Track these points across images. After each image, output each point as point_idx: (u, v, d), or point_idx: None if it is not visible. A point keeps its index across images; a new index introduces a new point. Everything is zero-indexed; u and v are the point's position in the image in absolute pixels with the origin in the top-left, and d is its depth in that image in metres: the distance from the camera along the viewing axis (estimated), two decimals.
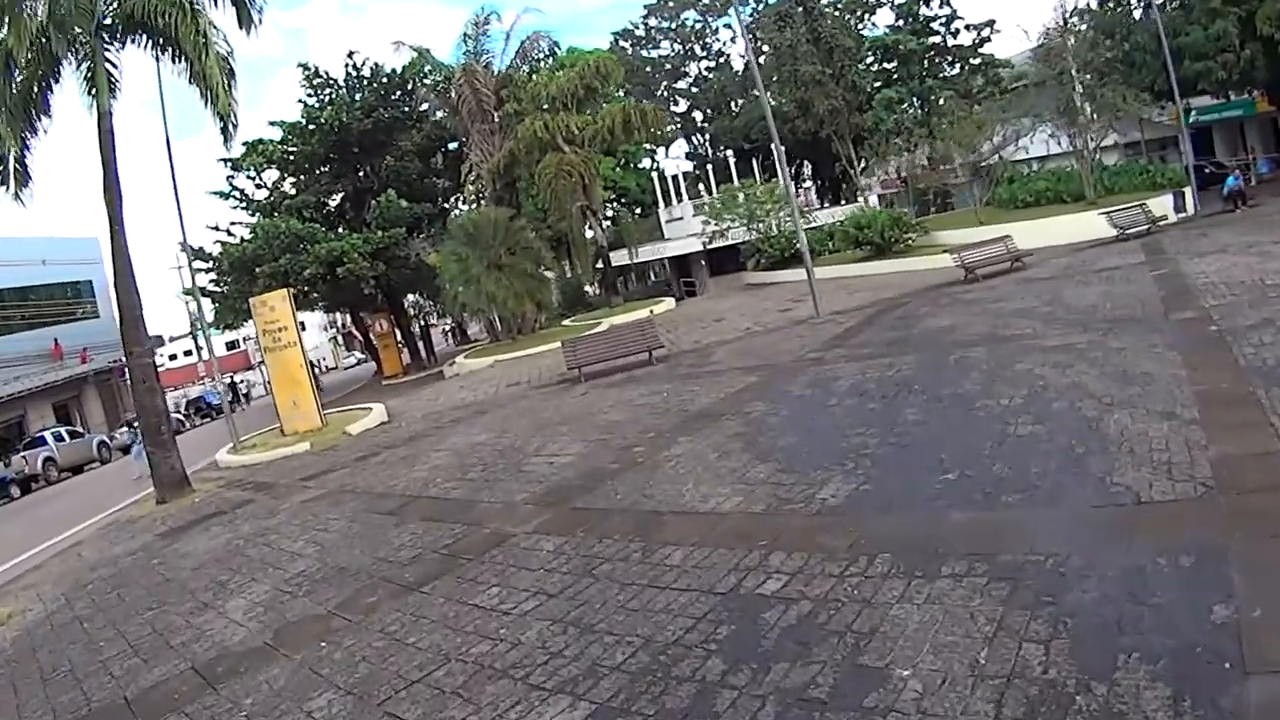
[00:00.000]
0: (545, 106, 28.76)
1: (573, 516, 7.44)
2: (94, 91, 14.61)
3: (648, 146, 54.15)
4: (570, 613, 5.24)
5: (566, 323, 29.79)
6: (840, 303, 19.75)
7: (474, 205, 33.51)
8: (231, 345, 67.93)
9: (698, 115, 56.91)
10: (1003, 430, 6.98)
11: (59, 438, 30.55)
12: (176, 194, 17.75)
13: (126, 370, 15.35)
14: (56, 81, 15.28)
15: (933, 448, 6.96)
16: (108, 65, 15.15)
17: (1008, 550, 4.65)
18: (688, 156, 58.17)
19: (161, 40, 14.69)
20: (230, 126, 15.86)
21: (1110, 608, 3.81)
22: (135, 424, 35.38)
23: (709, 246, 34.09)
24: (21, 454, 29.24)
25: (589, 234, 30.56)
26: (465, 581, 6.35)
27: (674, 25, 57.56)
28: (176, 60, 14.98)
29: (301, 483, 13.14)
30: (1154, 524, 4.67)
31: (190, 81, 14.85)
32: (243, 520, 11.20)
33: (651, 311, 27.36)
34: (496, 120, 30.94)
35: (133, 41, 15.07)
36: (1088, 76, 27.54)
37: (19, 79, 14.65)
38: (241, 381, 56.75)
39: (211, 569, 8.78)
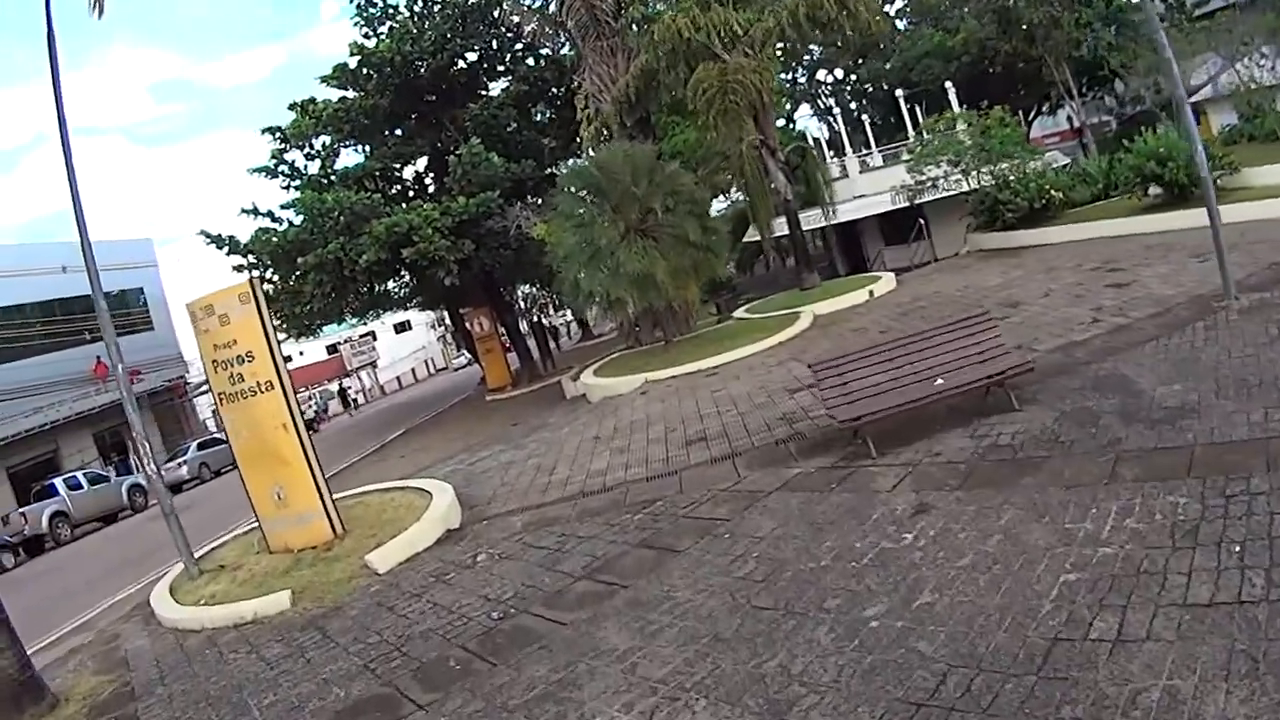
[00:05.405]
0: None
1: None
2: None
3: (786, 104, 44.52)
4: None
5: (740, 313, 20.14)
6: (1199, 277, 10.64)
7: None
8: (332, 349, 61.67)
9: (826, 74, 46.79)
10: None
11: (74, 484, 24.46)
12: (65, 141, 9.36)
13: None
14: None
15: None
16: None
17: None
18: (821, 114, 48.13)
19: None
20: None
21: None
22: (181, 457, 28.49)
23: (916, 202, 24.04)
24: (21, 511, 22.84)
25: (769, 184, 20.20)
26: None
27: None
28: None
29: None
30: None
31: None
32: None
33: (871, 293, 17.58)
34: (616, 33, 21.63)
35: None
36: None
37: None
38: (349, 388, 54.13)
39: None
